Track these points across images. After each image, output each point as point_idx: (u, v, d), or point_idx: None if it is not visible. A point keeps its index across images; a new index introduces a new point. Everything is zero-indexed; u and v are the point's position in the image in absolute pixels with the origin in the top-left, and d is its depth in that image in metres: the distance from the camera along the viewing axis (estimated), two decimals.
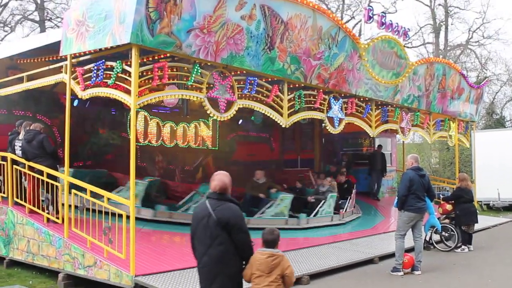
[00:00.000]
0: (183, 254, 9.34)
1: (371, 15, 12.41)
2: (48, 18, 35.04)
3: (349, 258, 10.48)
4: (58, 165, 10.27)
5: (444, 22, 39.08)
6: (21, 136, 10.52)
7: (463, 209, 12.25)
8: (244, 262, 5.17)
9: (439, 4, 39.32)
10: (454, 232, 12.17)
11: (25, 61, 11.35)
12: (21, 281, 9.20)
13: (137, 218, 10.66)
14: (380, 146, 19.36)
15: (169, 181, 14.85)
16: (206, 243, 5.05)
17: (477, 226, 13.03)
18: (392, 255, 10.29)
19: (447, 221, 12.46)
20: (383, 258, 10.91)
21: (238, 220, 5.07)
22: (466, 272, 9.81)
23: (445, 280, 9.27)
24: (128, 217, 8.00)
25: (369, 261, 10.66)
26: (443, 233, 12.28)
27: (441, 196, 15.74)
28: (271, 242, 5.24)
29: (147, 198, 11.90)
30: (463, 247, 12.13)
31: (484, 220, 16.58)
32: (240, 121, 19.15)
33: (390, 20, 12.87)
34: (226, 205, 5.07)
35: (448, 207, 12.55)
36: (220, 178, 5.16)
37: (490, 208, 23.17)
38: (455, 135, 17.36)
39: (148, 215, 11.26)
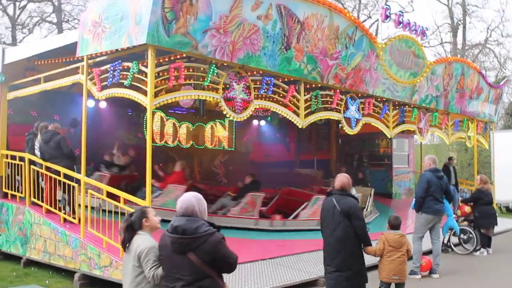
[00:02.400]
0: None
1: (388, 14, 12.29)
2: (65, 20, 35.35)
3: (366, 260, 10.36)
4: (74, 165, 10.31)
5: (462, 21, 38.71)
6: (39, 137, 10.61)
7: (482, 211, 12.09)
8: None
9: (457, 3, 38.94)
10: (473, 234, 12.01)
11: (42, 62, 11.40)
12: (38, 281, 9.25)
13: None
14: (451, 159, 18.65)
15: (199, 185, 14.85)
16: (331, 227, 6.49)
17: (496, 229, 12.84)
18: (409, 258, 10.17)
19: (465, 223, 12.31)
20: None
21: (356, 210, 6.48)
22: (485, 276, 9.67)
23: (463, 284, 9.15)
24: None
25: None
26: (462, 235, 12.12)
27: (460, 198, 15.55)
28: (397, 225, 7.41)
29: None
30: (482, 250, 11.97)
31: (503, 223, 16.32)
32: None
33: (408, 19, 12.74)
34: (347, 199, 6.50)
35: (467, 209, 12.39)
36: (340, 179, 6.63)
37: (510, 211, 22.87)
38: (473, 135, 17.16)
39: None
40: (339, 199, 6.49)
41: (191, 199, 4.45)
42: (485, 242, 12.10)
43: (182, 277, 4.26)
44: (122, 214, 8.40)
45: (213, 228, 4.34)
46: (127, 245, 4.76)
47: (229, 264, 4.37)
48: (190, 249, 4.24)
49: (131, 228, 4.78)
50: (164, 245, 4.43)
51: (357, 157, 20.85)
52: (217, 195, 13.78)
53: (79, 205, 9.41)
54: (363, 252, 6.63)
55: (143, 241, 4.63)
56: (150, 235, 4.81)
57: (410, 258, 7.61)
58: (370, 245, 6.72)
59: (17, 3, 35.20)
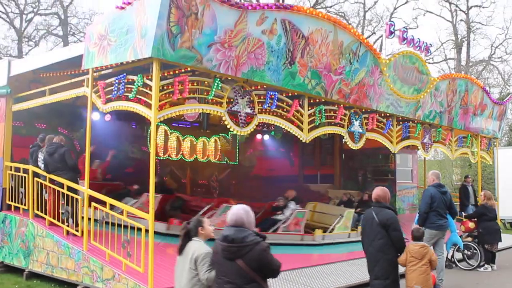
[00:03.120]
0: None
1: (393, 30, 12.34)
2: (71, 33, 35.64)
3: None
4: (78, 178, 10.32)
5: (466, 38, 38.82)
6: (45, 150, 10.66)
7: (486, 227, 12.03)
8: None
9: (461, 20, 39.11)
10: (477, 250, 11.95)
11: (47, 74, 11.47)
12: None
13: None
14: (467, 177, 18.28)
15: (184, 195, 14.82)
16: (371, 238, 7.10)
17: (500, 245, 12.76)
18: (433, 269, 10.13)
19: (469, 239, 12.25)
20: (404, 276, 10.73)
21: (393, 221, 7.03)
22: None
23: None
24: (147, 231, 7.98)
25: None
26: (466, 251, 12.06)
27: (463, 214, 15.49)
28: (418, 237, 7.78)
29: (163, 212, 11.92)
30: (486, 266, 11.91)
31: (507, 239, 16.22)
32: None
33: (412, 36, 12.79)
34: (385, 211, 7.09)
35: (471, 225, 12.34)
36: (376, 192, 7.28)
37: None
38: (477, 151, 17.13)
39: (162, 228, 11.23)
40: (377, 211, 7.12)
41: (240, 211, 4.95)
42: (489, 258, 12.03)
43: (231, 281, 4.75)
44: (125, 227, 8.40)
45: (259, 238, 4.81)
46: (182, 250, 5.30)
47: (273, 271, 4.86)
48: (238, 256, 4.74)
49: (188, 235, 5.30)
50: (216, 252, 4.96)
51: (362, 173, 20.79)
52: (200, 206, 13.67)
53: (82, 217, 9.41)
54: None
55: (200, 247, 5.16)
56: (204, 242, 5.31)
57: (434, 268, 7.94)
58: None
59: (24, 16, 35.48)
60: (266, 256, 4.77)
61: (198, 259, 5.07)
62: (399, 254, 7.26)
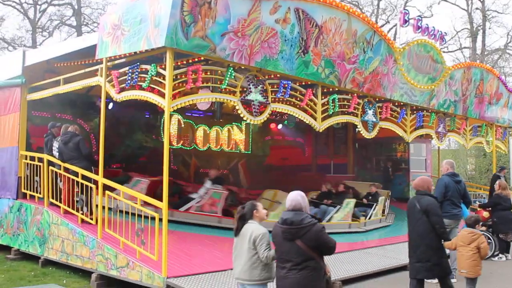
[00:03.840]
0: (215, 257, 9.37)
1: (407, 19, 12.23)
2: (84, 23, 35.76)
3: (381, 265, 10.34)
4: (93, 167, 10.40)
5: (481, 26, 38.42)
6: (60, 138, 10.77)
7: (501, 217, 11.97)
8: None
9: (477, 8, 38.68)
10: (491, 240, 11.90)
11: (61, 64, 11.53)
12: (56, 280, 9.34)
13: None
14: (503, 169, 17.48)
15: (180, 181, 14.83)
16: (413, 223, 7.63)
17: None
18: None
19: (483, 228, 12.18)
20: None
21: (433, 207, 7.47)
22: (504, 281, 9.58)
23: None
24: (160, 219, 8.03)
25: (402, 268, 10.49)
26: None
27: (477, 203, 15.40)
28: (471, 224, 8.01)
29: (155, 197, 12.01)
30: (500, 255, 11.86)
31: None
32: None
33: (426, 24, 12.68)
34: (426, 198, 7.57)
35: (485, 214, 12.29)
36: (416, 182, 7.86)
37: None
38: (492, 141, 16.99)
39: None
40: (419, 198, 7.63)
41: (298, 197, 5.46)
42: (504, 247, 11.98)
43: (292, 259, 5.27)
44: (139, 216, 8.46)
45: (314, 220, 5.33)
46: (238, 232, 5.82)
47: (329, 248, 5.35)
48: (297, 236, 5.25)
49: (243, 218, 5.80)
50: (276, 234, 5.45)
51: (390, 164, 20.48)
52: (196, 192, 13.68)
53: (97, 206, 9.49)
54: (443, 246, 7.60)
55: (257, 229, 5.65)
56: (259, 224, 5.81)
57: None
58: (448, 239, 7.77)
59: (38, 7, 35.64)
60: (322, 236, 5.29)
61: (257, 240, 5.55)
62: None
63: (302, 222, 5.26)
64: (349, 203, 13.71)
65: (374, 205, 14.31)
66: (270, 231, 5.62)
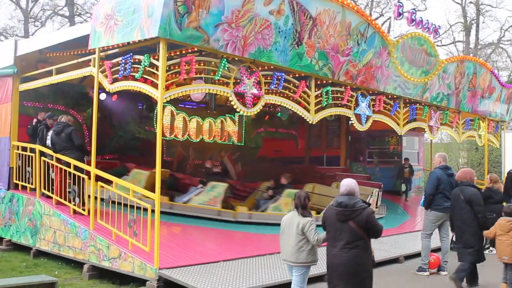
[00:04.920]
0: (207, 249, 9.38)
1: (401, 12, 12.22)
2: (77, 13, 35.48)
3: (319, 269, 10.33)
4: (85, 158, 10.37)
5: (475, 20, 38.46)
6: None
7: (492, 210, 11.97)
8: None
9: (471, 2, 38.68)
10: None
11: (54, 54, 11.47)
12: (47, 271, 9.31)
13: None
14: None
15: (178, 174, 14.84)
16: (457, 212, 8.54)
17: None
18: (418, 255, 10.17)
19: None
20: (408, 257, 10.77)
21: (476, 198, 8.38)
22: (494, 273, 9.60)
23: None
24: (153, 210, 8.02)
25: (394, 260, 10.53)
26: None
27: None
28: (509, 212, 8.22)
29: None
30: (491, 248, 11.88)
31: None
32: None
33: (420, 17, 12.68)
34: (469, 189, 8.47)
35: None
36: (459, 174, 8.78)
37: None
38: (484, 135, 17.06)
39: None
40: (463, 189, 8.49)
41: (351, 183, 6.04)
42: (494, 240, 12.00)
43: (343, 238, 5.84)
44: (131, 206, 8.45)
45: (365, 204, 5.93)
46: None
47: (376, 231, 5.91)
48: (350, 218, 5.82)
49: (305, 206, 6.39)
50: (329, 216, 6.04)
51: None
52: (192, 184, 13.64)
53: (89, 196, 9.47)
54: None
55: (302, 218, 6.28)
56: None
57: None
58: (487, 228, 8.35)
59: None
60: (372, 219, 5.92)
61: (305, 227, 6.18)
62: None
63: (355, 206, 5.85)
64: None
65: (275, 198, 13.11)
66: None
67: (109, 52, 9.46)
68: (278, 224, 6.69)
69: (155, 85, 8.26)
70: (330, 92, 11.09)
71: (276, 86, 9.90)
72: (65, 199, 10.09)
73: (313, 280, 7.98)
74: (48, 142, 10.67)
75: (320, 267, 7.38)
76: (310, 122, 10.88)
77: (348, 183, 6.06)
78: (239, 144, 18.66)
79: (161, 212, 10.89)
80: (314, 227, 6.22)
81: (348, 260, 5.83)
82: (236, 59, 9.12)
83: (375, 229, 5.91)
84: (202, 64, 9.16)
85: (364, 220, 5.83)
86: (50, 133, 10.73)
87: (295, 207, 6.41)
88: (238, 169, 17.95)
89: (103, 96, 13.03)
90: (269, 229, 11.38)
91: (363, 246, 5.88)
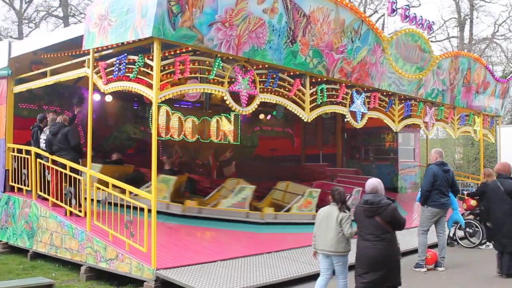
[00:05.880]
0: (204, 248, 9.37)
1: (395, 8, 12.25)
2: (71, 14, 35.39)
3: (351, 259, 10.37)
4: (80, 159, 10.33)
5: (469, 16, 38.51)
6: (48, 131, 10.70)
7: (488, 205, 12.03)
8: None
9: None
10: (478, 228, 11.97)
11: (48, 55, 11.44)
12: (45, 273, 9.31)
13: (166, 214, 10.99)
14: None
15: (195, 176, 14.91)
16: (497, 204, 9.01)
17: None
18: (414, 251, 10.18)
19: (471, 217, 12.27)
20: (405, 254, 10.75)
21: None
22: (491, 269, 9.65)
23: (469, 277, 9.14)
24: (149, 210, 8.01)
25: None
26: (467, 229, 12.09)
27: (465, 192, 15.51)
28: None
29: (176, 194, 11.95)
30: (488, 243, 11.93)
31: None
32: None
33: (414, 13, 12.69)
34: (509, 181, 8.92)
35: (473, 203, 12.35)
36: (497, 167, 9.39)
37: None
38: (480, 130, 17.11)
39: (178, 210, 11.31)
40: (502, 182, 8.94)
41: (375, 182, 6.72)
42: (491, 235, 12.05)
43: (372, 232, 6.51)
44: (128, 207, 8.43)
45: (389, 201, 6.56)
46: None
47: (400, 224, 6.60)
48: (377, 214, 6.49)
49: (345, 201, 6.89)
50: (359, 213, 6.71)
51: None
52: (210, 186, 13.72)
53: (85, 198, 9.45)
54: None
55: (340, 212, 6.76)
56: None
57: None
58: None
59: None
60: (396, 213, 6.55)
61: (342, 220, 6.67)
62: None
63: (380, 202, 6.51)
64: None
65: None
66: None
67: (104, 52, 9.43)
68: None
69: (149, 85, 8.25)
70: (325, 90, 11.10)
71: (271, 84, 9.91)
72: (61, 201, 10.06)
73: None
74: (42, 144, 10.65)
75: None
76: (305, 120, 10.88)
77: (372, 182, 6.73)
78: (235, 143, 18.64)
79: (190, 217, 11.36)
80: (350, 221, 6.72)
81: (377, 252, 6.45)
82: (231, 58, 9.13)
83: (399, 222, 6.57)
84: (196, 64, 9.16)
85: (389, 215, 6.48)
86: (42, 134, 10.72)
87: (335, 202, 6.83)
88: (232, 169, 17.99)
89: (97, 97, 12.99)
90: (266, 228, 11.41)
91: (389, 239, 6.52)
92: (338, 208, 6.79)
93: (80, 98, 11.35)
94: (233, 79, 9.21)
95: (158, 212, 8.39)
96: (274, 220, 12.17)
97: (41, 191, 10.55)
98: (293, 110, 10.65)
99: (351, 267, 7.00)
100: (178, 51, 9.37)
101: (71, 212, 9.84)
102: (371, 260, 6.48)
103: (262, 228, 11.72)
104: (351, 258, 6.97)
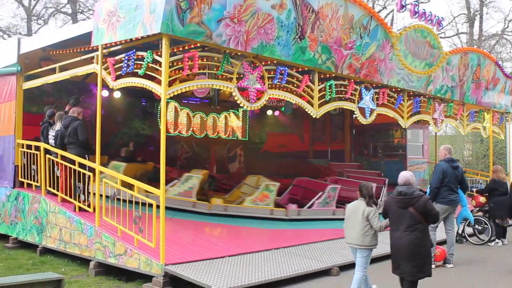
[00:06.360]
0: (212, 244, 9.39)
1: (404, 4, 12.19)
2: (80, 11, 35.45)
3: (379, 251, 10.35)
4: (87, 154, 10.35)
5: (478, 12, 38.26)
6: (57, 127, 10.74)
7: (498, 202, 11.99)
8: None
9: None
10: (487, 225, 11.94)
11: (57, 52, 11.47)
12: (54, 269, 9.34)
13: (193, 212, 11.29)
14: None
15: (216, 174, 14.95)
16: None
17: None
18: None
19: (480, 214, 12.23)
20: None
21: None
22: (500, 266, 9.62)
23: (478, 274, 9.11)
24: (158, 206, 8.03)
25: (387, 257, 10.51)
26: (476, 226, 12.06)
27: (474, 189, 15.44)
28: None
29: (201, 192, 12.01)
30: (497, 240, 11.90)
31: None
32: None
33: (423, 9, 12.63)
34: None
35: (482, 199, 12.31)
36: None
37: None
38: (489, 126, 17.01)
39: (204, 208, 11.45)
40: None
41: (407, 175, 6.96)
42: (500, 232, 12.02)
43: (404, 223, 6.65)
44: (137, 203, 8.45)
45: (422, 192, 6.78)
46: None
47: (433, 215, 6.76)
48: (410, 205, 6.65)
49: (372, 196, 7.10)
50: (391, 204, 6.88)
51: None
52: (230, 184, 13.82)
53: (94, 194, 9.49)
54: None
55: (368, 206, 6.98)
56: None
57: None
58: None
59: None
60: (428, 205, 6.72)
61: (370, 215, 6.89)
62: None
63: (413, 194, 6.68)
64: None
65: None
66: None
67: (112, 49, 9.46)
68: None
69: (158, 81, 8.26)
70: (334, 86, 11.07)
71: (279, 80, 9.89)
72: (70, 196, 10.10)
73: (375, 260, 8.56)
74: (51, 139, 10.70)
75: (380, 249, 8.03)
76: (314, 116, 10.86)
77: (405, 175, 6.98)
78: (243, 139, 18.65)
79: (215, 215, 11.55)
80: (377, 215, 6.95)
81: (409, 242, 6.60)
82: (239, 54, 9.11)
83: (431, 213, 6.73)
84: (205, 60, 9.14)
85: (422, 206, 6.64)
86: (51, 130, 10.79)
87: (363, 197, 7.06)
88: (236, 166, 18.03)
89: (106, 93, 13.03)
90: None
91: (422, 229, 6.67)
92: (365, 203, 7.01)
93: (76, 98, 11.27)
94: (242, 75, 9.21)
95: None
96: (224, 212, 11.96)
97: (50, 186, 10.59)
98: (301, 106, 10.64)
99: (373, 260, 7.34)
100: (186, 47, 9.38)
101: (80, 208, 9.87)
102: (403, 251, 6.66)
103: (209, 218, 11.69)
104: (376, 252, 7.30)
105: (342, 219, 11.72)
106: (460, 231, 11.96)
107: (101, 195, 9.32)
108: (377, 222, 6.94)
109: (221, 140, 17.93)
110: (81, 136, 10.23)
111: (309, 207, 12.76)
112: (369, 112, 11.95)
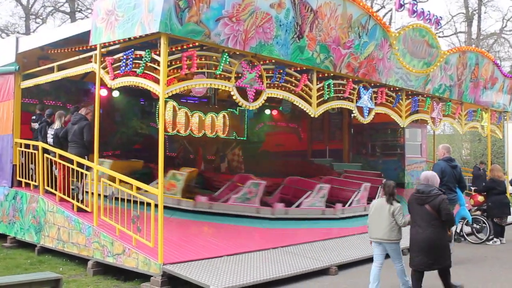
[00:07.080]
0: (210, 244, 9.38)
1: (402, 3, 12.19)
2: (78, 9, 35.43)
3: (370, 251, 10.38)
4: (87, 155, 10.33)
5: (477, 11, 38.31)
6: (56, 126, 10.73)
7: (496, 201, 12.02)
8: None
9: None
10: (485, 224, 11.96)
11: (55, 51, 11.45)
12: (52, 268, 9.33)
13: (177, 209, 11.08)
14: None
15: (206, 172, 14.92)
16: None
17: (509, 219, 12.76)
18: None
19: (478, 213, 12.25)
20: None
21: None
22: (498, 265, 9.63)
23: (476, 273, 9.12)
24: (156, 205, 8.03)
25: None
26: (474, 225, 12.07)
27: (472, 188, 15.46)
28: None
29: (187, 189, 11.96)
30: (495, 239, 11.92)
31: None
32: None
33: (422, 8, 12.64)
34: None
35: (480, 198, 12.33)
36: None
37: None
38: (487, 125, 17.03)
39: (189, 206, 11.33)
40: None
41: (428, 174, 7.46)
42: (498, 231, 12.04)
43: (422, 219, 7.09)
44: (135, 202, 8.45)
45: (440, 192, 7.15)
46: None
47: (445, 215, 7.01)
48: (426, 202, 7.07)
49: (394, 194, 7.48)
50: (412, 201, 7.31)
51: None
52: (220, 182, 13.77)
53: (92, 193, 9.48)
54: None
55: (393, 203, 7.41)
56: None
57: None
58: None
59: None
60: (443, 204, 7.01)
61: (395, 211, 7.32)
62: None
63: (430, 193, 7.09)
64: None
65: None
66: None
67: (110, 48, 9.44)
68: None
69: (156, 81, 8.25)
70: (332, 85, 11.08)
71: (278, 80, 9.89)
72: (68, 196, 10.09)
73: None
74: (49, 139, 10.68)
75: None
76: (312, 116, 10.86)
77: (425, 174, 7.48)
78: (241, 138, 18.64)
79: (201, 213, 11.35)
80: (402, 212, 7.36)
81: (427, 236, 7.00)
82: (238, 53, 9.11)
83: (445, 213, 6.99)
84: (203, 59, 9.14)
85: (437, 204, 7.00)
86: (50, 130, 10.77)
87: (385, 194, 7.50)
88: (225, 165, 18.03)
89: (104, 92, 13.02)
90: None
91: (438, 225, 7.03)
92: (386, 200, 7.43)
93: (76, 108, 11.21)
94: (240, 74, 9.20)
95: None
96: (209, 210, 11.72)
97: (48, 186, 10.58)
98: (300, 106, 10.63)
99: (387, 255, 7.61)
100: (185, 46, 9.37)
101: (78, 207, 9.86)
102: (421, 245, 7.04)
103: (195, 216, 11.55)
104: (404, 245, 7.71)
105: (333, 219, 11.94)
106: (458, 230, 11.97)
107: (99, 195, 9.31)
108: (402, 218, 7.35)
109: (219, 139, 17.91)
110: (87, 136, 10.16)
111: (297, 206, 12.70)
112: (367, 111, 11.95)
